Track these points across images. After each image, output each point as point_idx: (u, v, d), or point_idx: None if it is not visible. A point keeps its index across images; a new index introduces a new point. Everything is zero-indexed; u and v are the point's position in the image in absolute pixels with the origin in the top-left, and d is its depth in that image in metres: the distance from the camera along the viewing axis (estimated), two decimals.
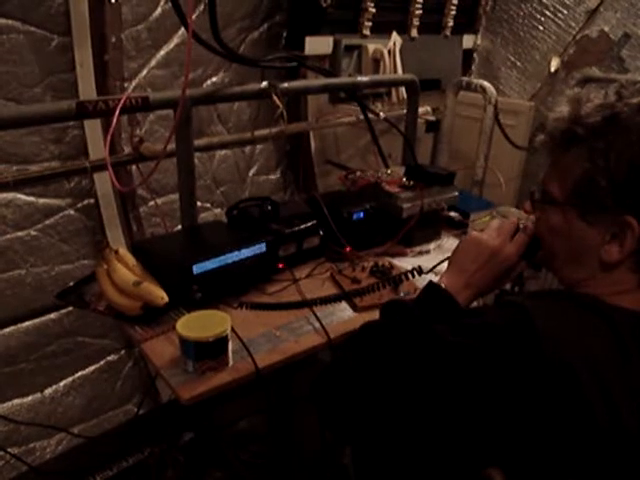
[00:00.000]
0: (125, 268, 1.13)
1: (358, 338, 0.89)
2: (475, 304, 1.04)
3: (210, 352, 0.93)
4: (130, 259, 1.16)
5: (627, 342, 0.67)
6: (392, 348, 0.80)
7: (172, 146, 1.34)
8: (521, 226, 0.96)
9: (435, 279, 0.98)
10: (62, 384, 1.87)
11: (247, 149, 2.22)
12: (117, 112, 1.18)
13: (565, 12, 2.49)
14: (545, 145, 0.84)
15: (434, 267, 1.18)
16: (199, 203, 2.07)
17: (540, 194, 0.87)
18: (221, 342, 0.94)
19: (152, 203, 1.93)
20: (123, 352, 2.00)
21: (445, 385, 0.70)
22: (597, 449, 0.63)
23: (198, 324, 0.95)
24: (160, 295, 1.06)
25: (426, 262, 1.21)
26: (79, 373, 1.90)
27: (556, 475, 0.65)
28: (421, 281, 0.99)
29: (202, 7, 1.84)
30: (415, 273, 1.15)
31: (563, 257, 0.84)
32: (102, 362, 1.95)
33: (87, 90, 1.66)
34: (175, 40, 1.85)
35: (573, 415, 0.63)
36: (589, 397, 0.63)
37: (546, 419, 0.64)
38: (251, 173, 2.28)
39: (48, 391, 1.84)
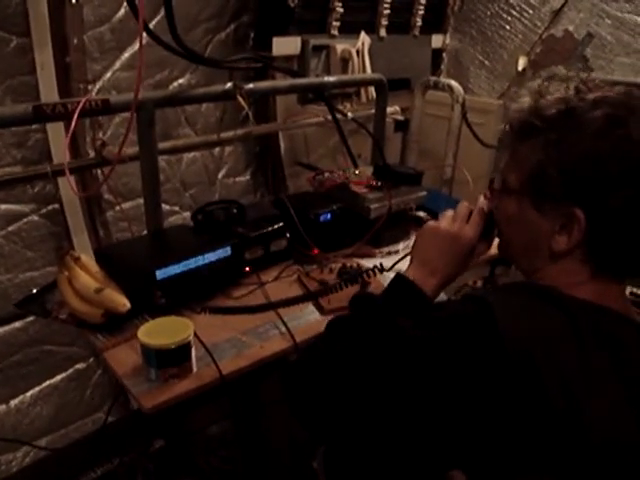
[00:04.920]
0: (87, 275, 1.10)
1: (326, 332, 0.89)
2: (446, 299, 1.05)
3: (173, 359, 0.91)
4: (93, 265, 1.13)
5: (583, 332, 0.68)
6: (357, 342, 0.80)
7: (137, 149, 1.31)
8: (474, 207, 0.98)
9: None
10: (29, 394, 1.82)
11: (216, 151, 2.19)
12: (76, 115, 1.16)
13: (531, 12, 2.52)
14: (506, 135, 0.86)
15: (395, 264, 1.19)
16: (167, 206, 2.04)
17: (499, 183, 0.89)
18: (184, 349, 0.92)
19: (119, 207, 1.89)
20: (92, 360, 1.95)
21: (408, 377, 0.70)
22: (555, 443, 0.63)
23: (160, 331, 0.93)
24: (122, 302, 1.04)
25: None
26: (46, 382, 1.85)
27: (519, 468, 0.65)
28: (387, 280, 0.99)
29: None
30: (376, 271, 1.16)
31: (518, 245, 0.87)
32: (70, 370, 1.91)
33: (49, 93, 1.61)
34: None
35: (532, 405, 0.64)
36: (548, 386, 0.64)
37: (506, 409, 0.65)
38: (220, 175, 2.25)
39: (14, 402, 1.79)
